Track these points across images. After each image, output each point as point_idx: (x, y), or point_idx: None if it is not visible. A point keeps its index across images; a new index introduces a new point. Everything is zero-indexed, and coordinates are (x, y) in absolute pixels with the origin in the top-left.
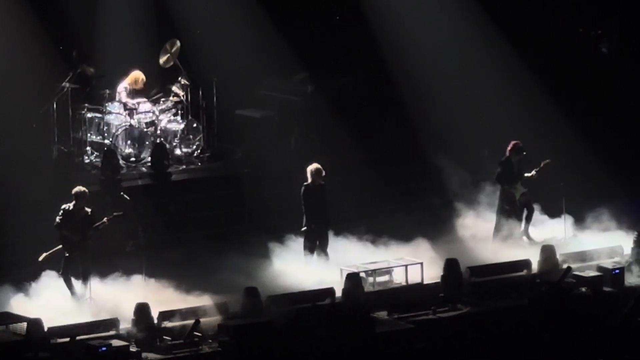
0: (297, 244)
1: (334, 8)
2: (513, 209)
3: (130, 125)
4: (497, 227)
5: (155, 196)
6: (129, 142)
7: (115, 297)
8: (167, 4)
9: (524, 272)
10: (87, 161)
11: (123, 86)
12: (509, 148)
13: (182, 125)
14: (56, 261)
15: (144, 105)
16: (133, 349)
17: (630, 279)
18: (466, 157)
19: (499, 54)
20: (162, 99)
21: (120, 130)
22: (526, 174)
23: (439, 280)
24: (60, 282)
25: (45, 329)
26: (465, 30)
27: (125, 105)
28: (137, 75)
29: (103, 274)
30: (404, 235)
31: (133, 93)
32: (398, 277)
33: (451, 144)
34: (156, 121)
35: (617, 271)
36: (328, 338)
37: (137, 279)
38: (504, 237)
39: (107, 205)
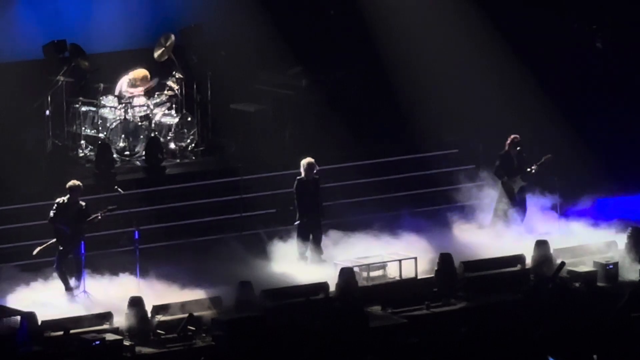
0: (290, 238)
1: (329, 2)
2: (511, 202)
3: (125, 119)
4: (493, 218)
5: (149, 190)
6: (123, 135)
7: (109, 291)
8: None
9: (518, 267)
10: (81, 155)
11: (127, 78)
12: (507, 142)
13: (177, 119)
14: (50, 255)
15: (139, 99)
16: (127, 342)
17: (624, 274)
18: (461, 151)
19: (493, 49)
20: (157, 93)
21: (114, 124)
22: (527, 168)
23: (432, 275)
24: (54, 275)
25: (39, 323)
26: (460, 25)
27: (120, 98)
28: (142, 72)
29: (97, 267)
30: (398, 229)
31: (133, 85)
32: (392, 272)
33: (446, 137)
34: (150, 115)
35: (611, 266)
36: (321, 332)
37: (131, 273)
38: (499, 229)
39: (101, 199)
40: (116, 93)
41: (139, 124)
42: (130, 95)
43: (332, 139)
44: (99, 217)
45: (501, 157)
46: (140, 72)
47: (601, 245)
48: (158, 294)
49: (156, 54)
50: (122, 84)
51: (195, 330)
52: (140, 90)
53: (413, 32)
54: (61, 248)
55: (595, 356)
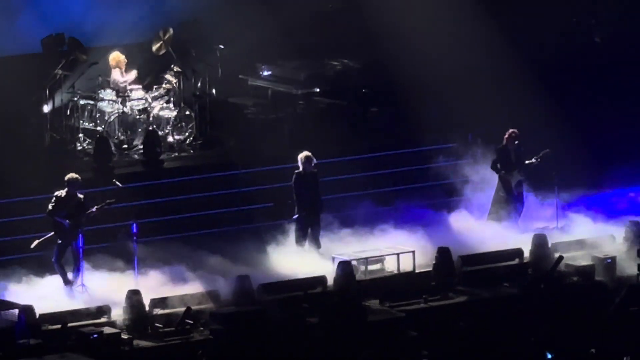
0: (289, 231)
1: None
2: (509, 196)
3: (123, 112)
4: (491, 211)
5: (147, 183)
6: (121, 129)
7: (107, 284)
8: None
9: (516, 261)
10: (79, 148)
11: (117, 72)
12: (505, 136)
13: (175, 113)
14: (49, 248)
15: (137, 92)
16: (124, 336)
17: (622, 269)
18: (459, 145)
19: (492, 43)
20: (155, 86)
21: (112, 117)
22: (526, 161)
23: (431, 268)
24: (53, 268)
25: (37, 316)
26: (459, 19)
27: (118, 92)
28: (116, 56)
29: (95, 260)
30: (395, 223)
31: (122, 70)
32: (390, 266)
33: (444, 131)
34: (149, 108)
35: (609, 260)
36: (319, 326)
37: (129, 266)
38: (496, 223)
39: (100, 192)
40: (110, 85)
41: (137, 117)
42: (124, 83)
43: (330, 132)
44: (97, 212)
45: (499, 151)
46: (116, 56)
47: (599, 239)
48: (156, 287)
49: (154, 48)
50: (117, 80)
51: (193, 324)
52: (132, 76)
53: (412, 26)
54: (60, 241)
55: (593, 350)
